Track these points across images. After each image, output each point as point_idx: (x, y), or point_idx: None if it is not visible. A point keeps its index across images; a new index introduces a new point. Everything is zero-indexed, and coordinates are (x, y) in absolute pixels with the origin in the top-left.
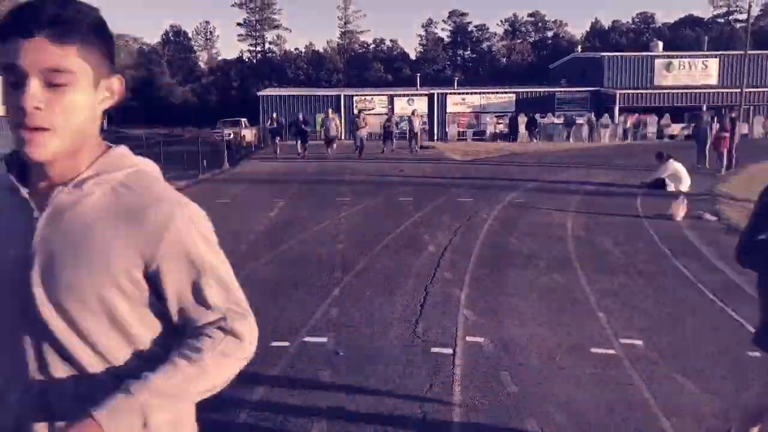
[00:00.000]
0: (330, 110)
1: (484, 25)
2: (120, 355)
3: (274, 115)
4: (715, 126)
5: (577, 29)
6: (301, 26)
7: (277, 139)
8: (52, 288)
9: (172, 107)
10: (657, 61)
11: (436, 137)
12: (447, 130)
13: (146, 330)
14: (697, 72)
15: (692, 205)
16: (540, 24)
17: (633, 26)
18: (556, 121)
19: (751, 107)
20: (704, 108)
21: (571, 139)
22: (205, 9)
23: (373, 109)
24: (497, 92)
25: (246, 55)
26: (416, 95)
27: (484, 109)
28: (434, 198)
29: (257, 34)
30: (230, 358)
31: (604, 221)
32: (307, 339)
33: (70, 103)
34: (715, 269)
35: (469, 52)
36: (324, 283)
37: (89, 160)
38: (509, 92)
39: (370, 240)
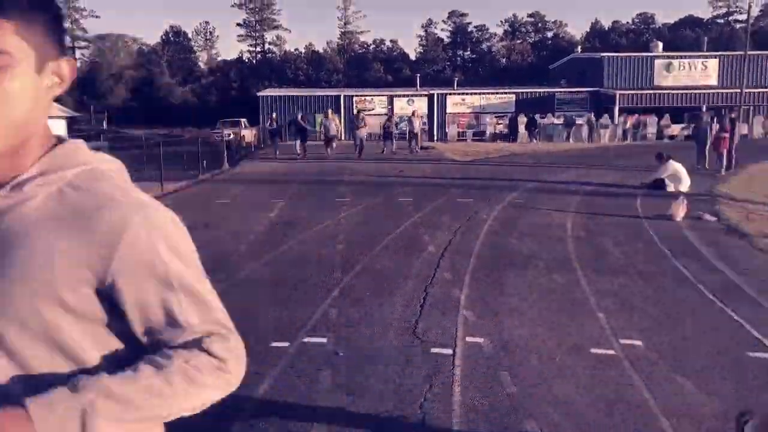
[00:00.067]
0: (330, 110)
1: (484, 25)
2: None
3: (274, 115)
4: (715, 126)
5: (577, 30)
6: (300, 27)
7: (277, 139)
8: None
9: (172, 107)
10: (657, 62)
11: (435, 138)
12: (447, 130)
13: (103, 355)
14: (697, 72)
15: (692, 205)
16: (540, 24)
17: (633, 27)
18: (556, 121)
19: (751, 107)
20: (704, 108)
21: (570, 140)
22: (205, 9)
23: (372, 109)
24: (497, 93)
25: (246, 56)
26: (416, 96)
27: (484, 110)
28: (434, 198)
29: (257, 34)
30: (206, 380)
31: (604, 222)
32: (306, 339)
33: (7, 90)
34: (714, 270)
35: (468, 52)
36: (324, 284)
37: (34, 158)
38: (509, 93)
39: (369, 240)
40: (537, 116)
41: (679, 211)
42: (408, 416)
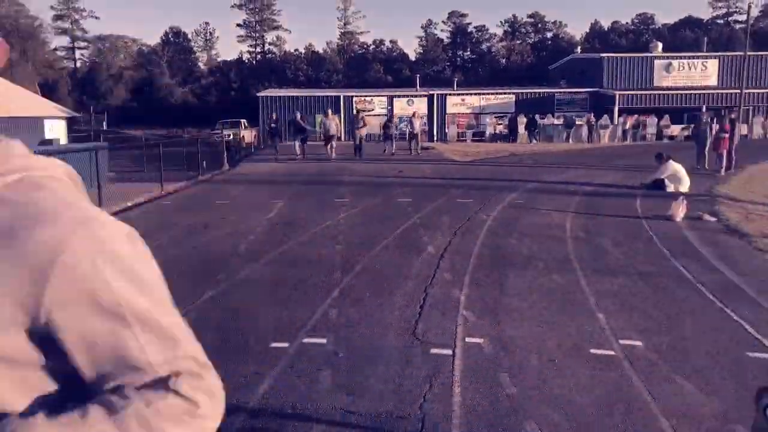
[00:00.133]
0: (329, 111)
1: (484, 26)
2: None
3: (274, 116)
4: (715, 127)
5: (577, 30)
6: (300, 27)
7: (277, 140)
8: None
9: (172, 108)
10: (656, 62)
11: (435, 138)
12: (446, 131)
13: (41, 405)
14: (697, 73)
15: (692, 205)
16: (539, 25)
17: (632, 27)
18: (556, 122)
19: (751, 108)
20: (704, 109)
21: (570, 140)
22: (205, 10)
23: (372, 110)
24: (497, 93)
25: (246, 56)
26: (416, 96)
27: (484, 110)
28: (434, 199)
29: (257, 35)
30: (169, 427)
31: (604, 222)
32: (306, 340)
33: None
34: (714, 270)
35: (468, 53)
36: (323, 284)
37: None
38: (509, 93)
39: (369, 241)
40: (537, 117)
41: (679, 211)
42: (408, 416)
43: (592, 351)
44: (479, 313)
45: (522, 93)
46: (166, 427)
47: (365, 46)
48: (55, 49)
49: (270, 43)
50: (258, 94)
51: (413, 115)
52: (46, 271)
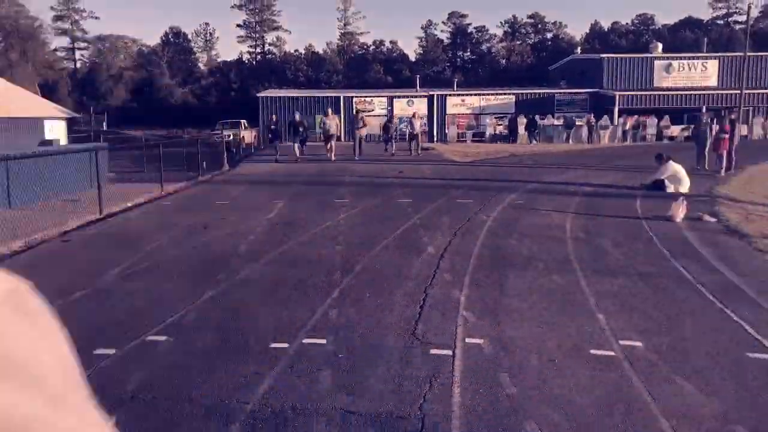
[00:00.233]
0: (330, 110)
1: (484, 26)
2: None
3: (273, 117)
4: (715, 127)
5: (577, 31)
6: (300, 28)
7: (277, 140)
8: None
9: (172, 108)
10: (656, 63)
11: (435, 139)
12: (446, 131)
13: None
14: (697, 73)
15: (692, 206)
16: (539, 25)
17: (632, 28)
18: (556, 122)
19: (751, 108)
20: (704, 109)
21: (570, 141)
22: (205, 10)
23: (372, 110)
24: (497, 94)
25: (246, 57)
26: (416, 97)
27: (484, 111)
28: (434, 199)
29: (257, 35)
30: None
31: (604, 222)
32: (306, 340)
33: None
34: (714, 270)
35: (468, 53)
36: (323, 285)
37: None
38: (509, 94)
39: (369, 241)
40: (537, 117)
41: (679, 212)
42: (408, 416)
43: (592, 351)
44: (479, 313)
45: (522, 93)
46: None
47: (365, 46)
48: (55, 50)
49: (270, 44)
50: (258, 95)
51: (413, 115)
52: None
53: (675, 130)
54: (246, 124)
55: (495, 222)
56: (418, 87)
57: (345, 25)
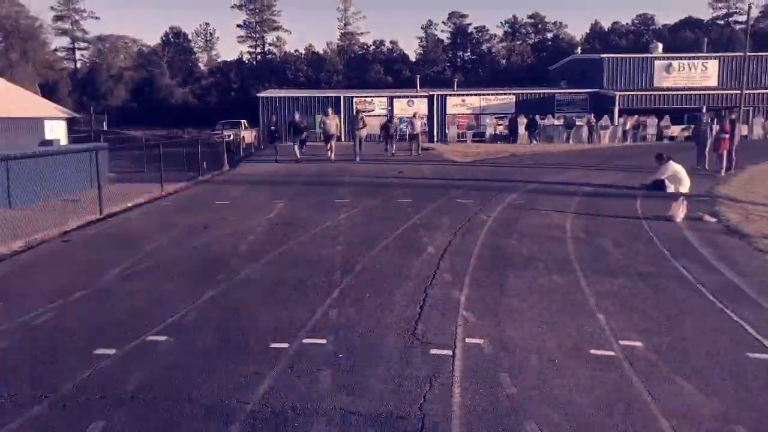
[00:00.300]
0: (330, 110)
1: (484, 26)
2: None
3: (273, 118)
4: (715, 127)
5: (577, 31)
6: (301, 28)
7: (276, 141)
8: None
9: (172, 108)
10: (657, 63)
11: (435, 139)
12: (447, 131)
13: None
14: (697, 73)
15: (692, 206)
16: (540, 25)
17: (633, 28)
18: (556, 122)
19: (751, 108)
20: (704, 109)
21: (570, 141)
22: (205, 10)
23: (372, 110)
24: (497, 94)
25: (246, 57)
26: (416, 97)
27: (484, 111)
28: (434, 199)
29: (257, 35)
30: None
31: (604, 222)
32: (306, 340)
33: None
34: (714, 270)
35: (468, 53)
36: (323, 285)
37: None
38: (509, 94)
39: (369, 241)
40: (537, 117)
41: (679, 212)
42: (408, 416)
43: (592, 351)
44: (479, 313)
45: (522, 94)
46: None
47: (365, 46)
48: (56, 50)
49: (270, 44)
50: (258, 95)
51: (414, 115)
52: None
53: (675, 130)
54: (246, 124)
55: (495, 222)
56: (418, 87)
57: (345, 25)
